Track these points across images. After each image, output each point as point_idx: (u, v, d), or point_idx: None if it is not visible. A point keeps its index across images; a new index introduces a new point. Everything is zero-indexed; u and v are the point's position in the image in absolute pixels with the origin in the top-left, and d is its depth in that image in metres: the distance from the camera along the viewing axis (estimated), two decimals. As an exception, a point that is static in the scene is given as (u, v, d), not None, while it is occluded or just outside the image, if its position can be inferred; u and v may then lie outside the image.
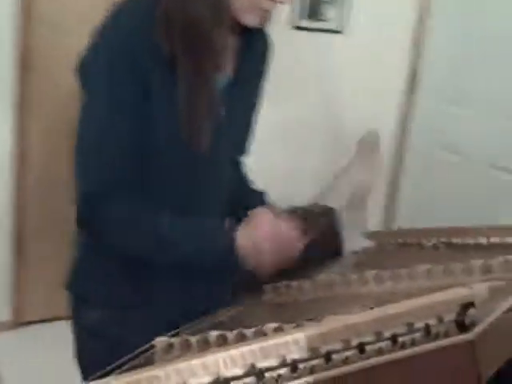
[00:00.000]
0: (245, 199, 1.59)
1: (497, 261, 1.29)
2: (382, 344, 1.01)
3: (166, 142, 1.35)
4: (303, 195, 3.10)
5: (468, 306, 1.03)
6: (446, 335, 1.01)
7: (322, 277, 1.45)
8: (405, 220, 3.59)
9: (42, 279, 3.14)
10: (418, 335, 1.02)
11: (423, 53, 3.41)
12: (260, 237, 1.31)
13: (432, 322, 1.03)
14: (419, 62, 3.43)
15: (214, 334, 1.11)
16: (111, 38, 1.30)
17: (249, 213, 1.37)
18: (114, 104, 1.30)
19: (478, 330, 0.99)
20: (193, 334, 1.17)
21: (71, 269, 1.53)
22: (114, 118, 1.30)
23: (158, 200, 1.38)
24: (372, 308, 1.24)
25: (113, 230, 1.34)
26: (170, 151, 1.36)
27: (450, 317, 1.03)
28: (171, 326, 1.24)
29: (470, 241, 1.55)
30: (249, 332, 1.18)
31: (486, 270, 1.30)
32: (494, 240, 1.50)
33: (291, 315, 1.36)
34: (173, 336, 1.16)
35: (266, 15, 1.36)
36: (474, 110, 3.17)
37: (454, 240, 1.58)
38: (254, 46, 1.49)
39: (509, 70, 2.98)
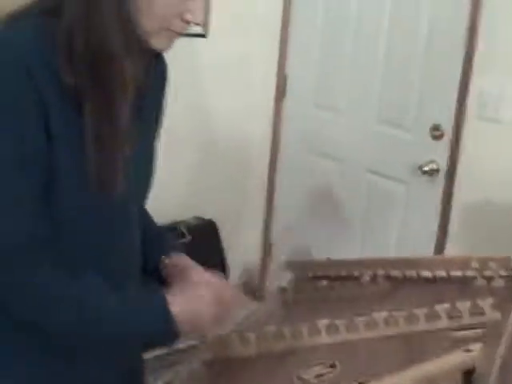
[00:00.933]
0: (154, 245, 1.49)
1: (464, 305, 1.22)
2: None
3: (71, 188, 1.19)
4: (176, 206, 3.00)
5: (470, 372, 0.95)
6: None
7: (269, 328, 1.32)
8: (283, 227, 3.58)
9: None
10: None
11: (290, 56, 3.41)
12: (199, 305, 1.23)
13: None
14: (287, 65, 3.42)
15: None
16: (5, 63, 1.11)
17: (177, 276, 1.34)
18: (12, 145, 1.12)
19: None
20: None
21: None
22: (15, 167, 1.13)
23: (70, 254, 1.22)
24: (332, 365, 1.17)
25: (27, 302, 1.16)
26: (77, 197, 1.20)
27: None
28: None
29: (412, 273, 1.48)
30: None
31: (453, 316, 1.22)
32: (439, 273, 1.43)
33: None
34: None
35: (176, 38, 1.25)
36: (345, 115, 3.21)
37: (393, 272, 1.50)
38: (154, 71, 1.36)
39: (374, 75, 3.05)
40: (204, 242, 3.05)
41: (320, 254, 3.21)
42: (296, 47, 3.38)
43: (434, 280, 1.45)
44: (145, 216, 1.51)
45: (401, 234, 3.02)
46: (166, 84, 1.45)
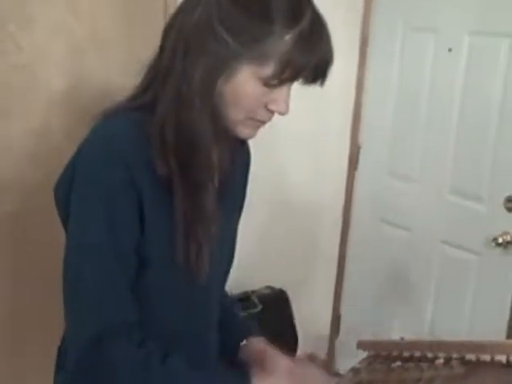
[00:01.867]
0: (232, 326, 1.55)
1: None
2: None
3: (160, 274, 1.27)
4: (248, 276, 3.03)
5: None
6: None
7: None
8: (353, 295, 3.56)
9: None
10: None
11: (363, 128, 3.45)
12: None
13: None
14: (360, 136, 3.46)
15: None
16: (106, 155, 1.19)
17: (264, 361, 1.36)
18: (114, 230, 1.19)
19: None
20: None
21: None
22: (115, 249, 1.19)
23: (152, 330, 1.27)
24: None
25: (120, 376, 1.20)
26: (164, 282, 1.28)
27: None
28: None
29: (486, 357, 1.46)
30: None
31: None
32: (513, 358, 1.42)
33: None
34: None
35: (261, 126, 1.30)
36: (418, 185, 3.20)
37: (468, 356, 1.49)
38: (238, 156, 1.44)
39: (447, 144, 3.04)
40: (275, 311, 3.05)
41: (391, 326, 3.20)
42: (369, 119, 3.41)
43: (508, 365, 1.44)
44: (224, 297, 1.56)
45: (473, 306, 2.98)
46: (250, 169, 1.51)
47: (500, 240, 2.82)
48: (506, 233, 2.82)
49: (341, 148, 3.46)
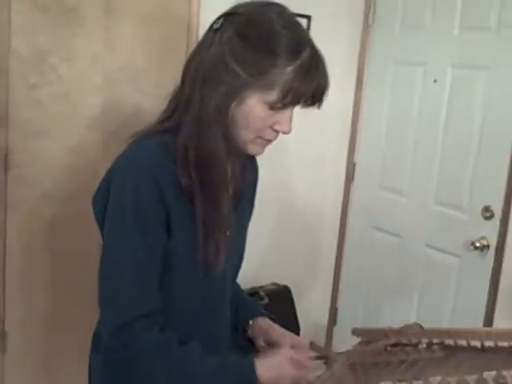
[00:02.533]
0: (241, 307, 1.57)
1: (509, 373, 1.22)
2: None
3: (183, 271, 1.30)
4: (256, 273, 3.05)
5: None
6: None
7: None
8: (348, 295, 3.57)
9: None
10: None
11: (359, 146, 3.47)
12: (283, 369, 1.28)
13: None
14: (356, 155, 3.49)
15: None
16: (137, 172, 1.22)
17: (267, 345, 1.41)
18: (146, 238, 1.22)
19: None
20: None
21: None
22: (146, 253, 1.23)
23: (173, 319, 1.31)
24: None
25: (142, 361, 1.23)
26: (186, 278, 1.31)
27: None
28: None
29: (463, 343, 1.48)
30: None
31: (500, 381, 1.22)
32: (488, 343, 1.43)
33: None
34: None
35: (268, 144, 1.33)
36: (406, 197, 3.23)
37: (447, 341, 1.51)
38: (248, 170, 1.46)
39: (432, 161, 3.07)
40: (280, 304, 3.07)
41: (381, 319, 3.21)
42: (364, 140, 3.43)
43: (482, 349, 1.46)
44: (236, 286, 1.58)
45: (454, 303, 2.99)
46: (258, 181, 1.54)
47: (478, 244, 2.83)
48: (482, 238, 2.83)
49: (339, 164, 3.49)
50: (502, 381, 1.22)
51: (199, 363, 1.24)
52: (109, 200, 1.23)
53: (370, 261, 3.41)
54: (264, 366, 1.26)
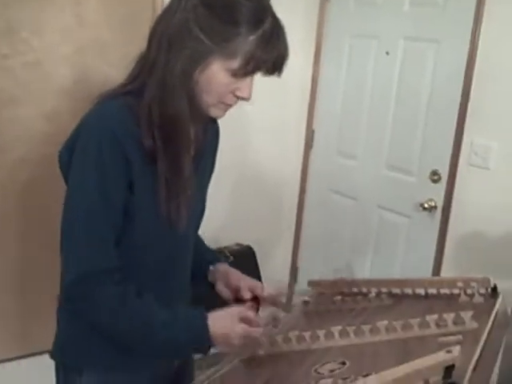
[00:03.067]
0: (202, 254, 1.56)
1: (449, 316, 1.25)
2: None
3: (145, 224, 1.28)
4: (221, 234, 3.05)
5: (450, 368, 0.98)
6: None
7: (293, 333, 1.36)
8: (307, 253, 3.59)
9: None
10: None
11: (317, 115, 3.47)
12: (232, 325, 1.27)
13: (420, 385, 0.97)
14: (314, 122, 3.48)
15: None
16: (100, 130, 1.20)
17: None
18: (104, 190, 1.21)
19: (462, 390, 0.93)
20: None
21: (58, 338, 1.40)
22: (104, 204, 1.21)
23: (137, 274, 1.30)
24: (343, 362, 1.20)
25: (100, 312, 1.23)
26: (149, 233, 1.30)
27: (435, 379, 0.98)
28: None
29: (409, 291, 1.50)
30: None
31: (440, 324, 1.25)
32: (431, 291, 1.46)
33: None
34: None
35: (229, 108, 1.32)
36: (361, 162, 3.24)
37: (394, 290, 1.53)
38: (210, 132, 1.44)
39: (384, 129, 3.08)
40: (243, 263, 3.05)
41: (338, 275, 3.23)
42: (322, 108, 3.43)
43: (426, 296, 1.48)
44: (198, 238, 1.57)
45: (404, 259, 3.03)
46: (218, 144, 1.52)
47: (426, 205, 2.86)
48: (430, 199, 2.86)
49: (299, 131, 3.49)
50: (443, 323, 1.25)
51: (153, 315, 1.24)
52: (74, 152, 1.22)
53: (328, 222, 3.44)
54: (215, 322, 1.26)
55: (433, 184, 2.85)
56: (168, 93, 1.22)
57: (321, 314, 1.54)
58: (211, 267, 1.53)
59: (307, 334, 1.34)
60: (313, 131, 3.48)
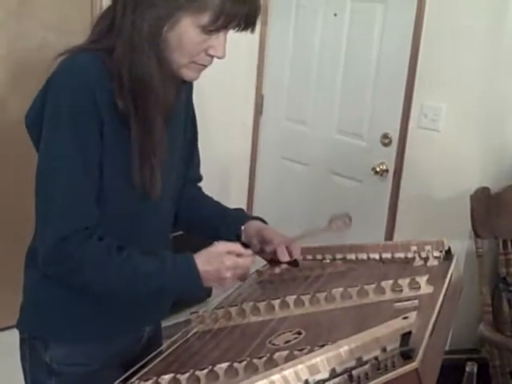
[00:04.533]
0: (228, 217, 1.53)
1: (404, 281, 1.24)
2: (338, 380, 0.93)
3: (115, 189, 1.24)
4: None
5: (407, 335, 0.96)
6: (393, 366, 0.93)
7: (248, 304, 1.33)
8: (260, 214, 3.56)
9: None
10: (368, 367, 0.93)
11: (266, 80, 3.41)
12: (220, 259, 1.24)
13: (378, 353, 0.96)
14: (263, 87, 3.42)
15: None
16: (73, 82, 1.15)
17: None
18: (80, 146, 1.16)
19: (419, 356, 0.91)
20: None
21: (24, 307, 1.34)
22: (81, 160, 1.16)
23: (112, 233, 1.24)
24: (298, 332, 1.18)
25: (85, 270, 1.19)
26: (119, 200, 1.25)
27: (392, 346, 0.96)
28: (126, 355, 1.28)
29: (363, 256, 1.49)
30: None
31: (396, 289, 1.24)
32: (385, 255, 1.44)
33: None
34: None
35: (203, 69, 1.27)
36: (311, 127, 3.21)
37: (348, 256, 1.51)
38: (183, 95, 1.39)
39: (334, 94, 3.05)
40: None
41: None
42: (270, 73, 3.38)
43: (381, 261, 1.47)
44: (211, 200, 1.62)
45: (358, 224, 3.01)
46: (193, 103, 1.47)
47: (377, 169, 2.87)
48: (382, 163, 2.87)
49: (248, 97, 3.43)
50: (398, 288, 1.24)
51: (140, 263, 1.21)
52: (44, 112, 1.16)
53: (281, 189, 3.41)
54: (202, 260, 1.23)
55: (384, 148, 2.85)
56: (136, 54, 1.17)
57: (275, 283, 1.51)
58: (243, 226, 1.48)
59: (262, 305, 1.32)
60: (262, 96, 3.42)
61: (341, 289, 1.28)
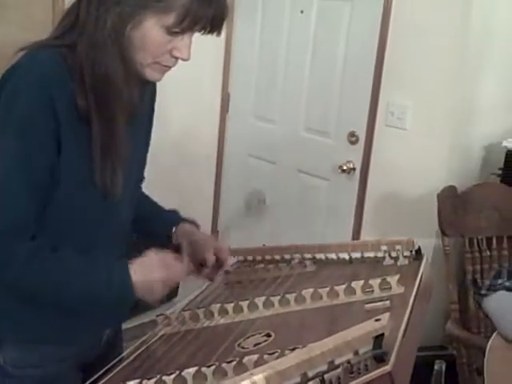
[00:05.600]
0: (159, 217, 1.52)
1: (375, 281, 1.22)
2: (311, 384, 0.91)
3: (77, 194, 1.19)
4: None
5: (380, 337, 0.94)
6: (366, 369, 0.91)
7: (216, 306, 1.30)
8: (226, 214, 3.54)
9: None
10: (340, 371, 0.91)
11: (232, 78, 3.37)
12: (152, 270, 1.20)
13: (350, 357, 0.93)
14: (230, 85, 3.38)
15: None
16: (29, 82, 1.10)
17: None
18: (25, 152, 1.11)
19: (392, 359, 0.89)
20: None
21: None
22: (23, 167, 1.12)
23: (60, 237, 1.21)
24: (268, 334, 1.15)
25: (14, 270, 1.14)
26: (80, 201, 1.21)
27: (364, 349, 0.94)
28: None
29: (333, 256, 1.47)
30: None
31: (367, 290, 1.22)
32: (355, 255, 1.42)
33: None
34: None
35: (167, 70, 1.24)
36: (278, 125, 3.19)
37: (318, 256, 1.49)
38: (147, 95, 1.36)
39: (301, 92, 3.04)
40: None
41: (255, 238, 3.19)
42: (237, 71, 3.34)
43: (350, 261, 1.45)
44: (147, 198, 1.55)
45: (325, 222, 3.02)
46: (155, 105, 1.45)
47: (344, 167, 2.86)
48: (349, 161, 2.86)
49: (214, 94, 3.39)
50: (369, 289, 1.22)
51: (71, 266, 1.17)
52: None
53: (248, 187, 3.38)
54: (137, 270, 1.19)
55: (351, 146, 2.84)
56: (99, 51, 1.14)
57: (243, 283, 1.49)
58: (174, 228, 1.46)
59: (229, 307, 1.29)
60: (228, 94, 3.38)
61: (311, 289, 1.25)
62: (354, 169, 2.84)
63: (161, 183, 3.22)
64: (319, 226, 3.03)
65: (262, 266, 1.55)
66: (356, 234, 2.85)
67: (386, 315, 1.00)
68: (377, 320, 0.98)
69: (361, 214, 2.84)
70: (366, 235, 2.81)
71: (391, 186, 2.71)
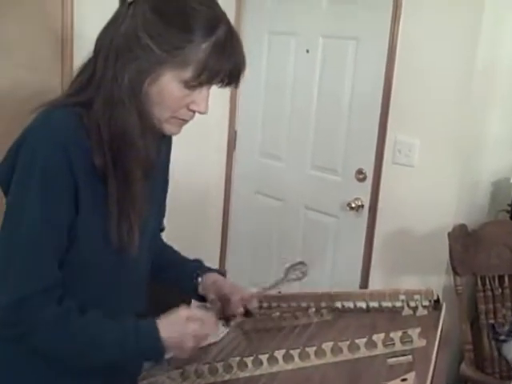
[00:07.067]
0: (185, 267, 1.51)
1: (396, 334, 1.21)
2: None
3: (93, 251, 1.18)
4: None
5: (407, 398, 0.94)
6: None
7: (235, 359, 1.29)
8: (235, 257, 3.52)
9: None
10: None
11: (239, 116, 3.40)
12: (181, 325, 1.19)
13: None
14: (237, 123, 3.41)
15: None
16: (47, 144, 1.10)
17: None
18: (46, 212, 1.11)
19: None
20: None
21: None
22: (45, 228, 1.11)
23: (81, 297, 1.18)
24: None
25: (39, 336, 1.13)
26: (96, 257, 1.19)
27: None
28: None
29: (350, 304, 1.46)
30: None
31: (388, 343, 1.21)
32: (372, 304, 1.42)
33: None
34: None
35: (185, 124, 1.24)
36: (285, 163, 3.20)
37: (335, 304, 1.48)
38: (163, 149, 1.37)
39: (308, 129, 3.05)
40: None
41: (265, 277, 3.17)
42: (243, 109, 3.36)
43: (368, 310, 1.44)
44: (170, 248, 1.56)
45: (334, 259, 3.02)
46: (170, 157, 1.44)
47: (353, 205, 2.85)
48: (357, 199, 2.86)
49: (221, 132, 3.41)
50: (390, 342, 1.21)
51: (100, 333, 1.15)
52: (16, 167, 1.11)
53: (255, 224, 3.38)
54: (165, 327, 1.17)
55: (359, 183, 2.84)
56: (116, 108, 1.13)
57: (260, 332, 1.48)
58: (200, 278, 1.45)
59: (249, 360, 1.28)
60: (235, 132, 3.40)
61: (331, 343, 1.25)
62: (362, 206, 2.84)
63: (166, 222, 3.22)
64: (328, 264, 3.02)
65: (277, 313, 1.53)
66: (365, 271, 2.84)
67: (412, 374, 1.00)
68: (403, 380, 0.98)
69: (370, 251, 2.83)
70: (376, 272, 2.80)
71: (400, 223, 2.71)
